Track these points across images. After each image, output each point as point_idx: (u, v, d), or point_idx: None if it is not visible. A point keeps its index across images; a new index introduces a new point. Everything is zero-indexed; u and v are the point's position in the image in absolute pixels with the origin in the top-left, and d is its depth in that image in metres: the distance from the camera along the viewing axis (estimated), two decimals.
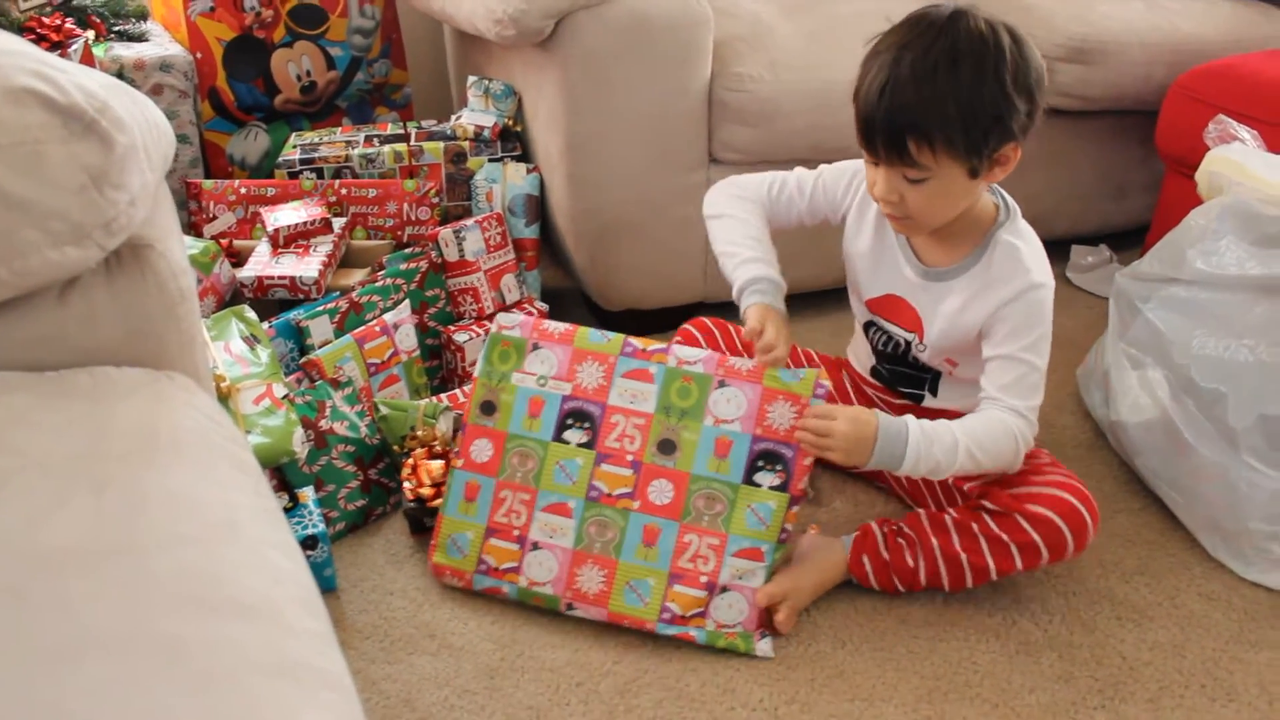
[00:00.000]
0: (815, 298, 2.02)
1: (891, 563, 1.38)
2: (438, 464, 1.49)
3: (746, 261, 1.43)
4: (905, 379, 1.54)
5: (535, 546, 1.38)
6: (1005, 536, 1.33)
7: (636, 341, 1.43)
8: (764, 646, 1.33)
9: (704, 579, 1.34)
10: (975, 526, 1.35)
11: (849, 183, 1.49)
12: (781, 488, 1.35)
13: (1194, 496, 1.52)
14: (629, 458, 1.39)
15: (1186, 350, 1.52)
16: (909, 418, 1.34)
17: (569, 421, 1.41)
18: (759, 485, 1.35)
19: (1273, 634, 1.39)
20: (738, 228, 1.47)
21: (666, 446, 1.38)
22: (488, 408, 1.44)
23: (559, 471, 1.40)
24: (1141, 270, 1.66)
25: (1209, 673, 1.33)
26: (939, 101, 1.21)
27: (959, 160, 1.25)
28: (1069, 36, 2.10)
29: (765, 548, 1.35)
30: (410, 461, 1.50)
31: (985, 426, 1.33)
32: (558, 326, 1.46)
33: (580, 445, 1.40)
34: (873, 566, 1.39)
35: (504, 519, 1.40)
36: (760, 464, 1.36)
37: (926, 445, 1.31)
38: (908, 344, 1.49)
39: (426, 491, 1.47)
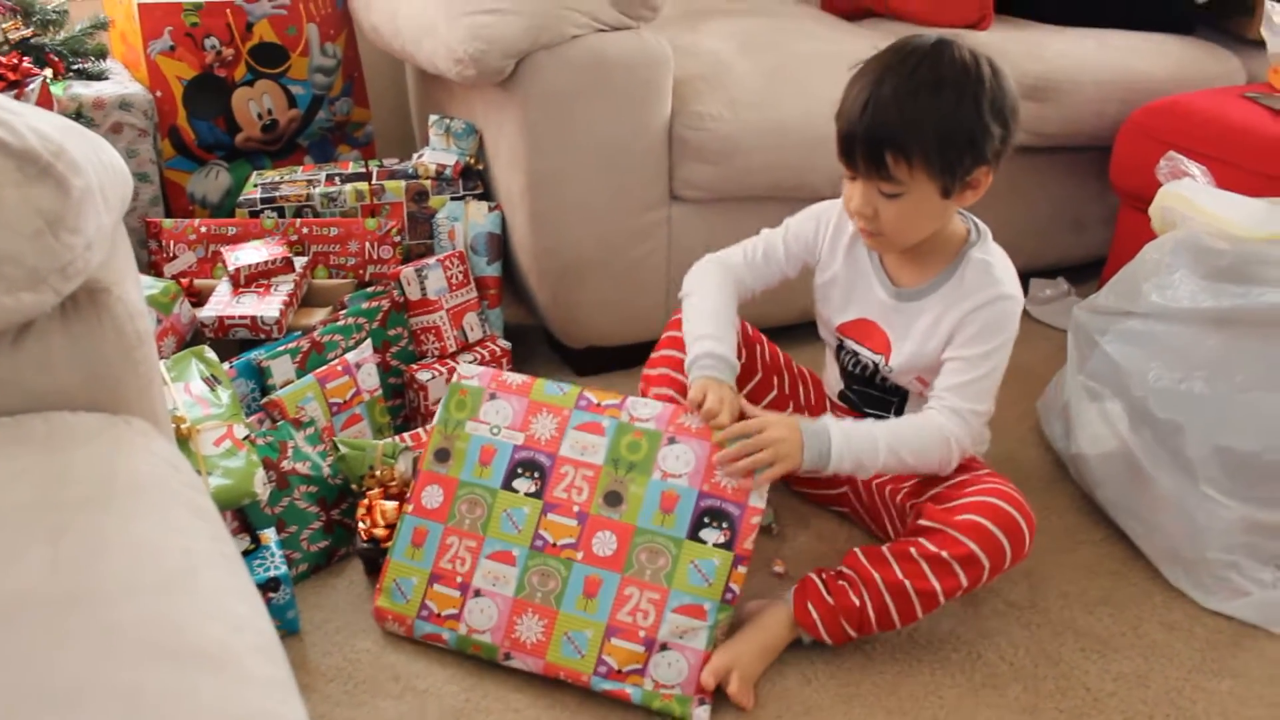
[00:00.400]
0: (792, 330, 2.03)
1: (837, 605, 1.35)
2: (392, 505, 1.48)
3: (697, 339, 1.46)
4: (873, 401, 1.55)
5: (477, 594, 1.36)
6: (944, 553, 1.31)
7: (592, 395, 1.44)
8: (701, 714, 1.29)
9: (643, 633, 1.31)
10: (913, 551, 1.33)
11: (817, 222, 1.54)
12: (726, 545, 1.32)
13: (1154, 527, 1.54)
14: (575, 508, 1.38)
15: (1143, 382, 1.54)
16: (828, 418, 1.38)
17: (519, 470, 1.41)
18: (704, 541, 1.33)
19: (1234, 663, 1.40)
20: (697, 305, 1.51)
21: (613, 499, 1.38)
22: (442, 455, 1.44)
23: (505, 520, 1.39)
24: (1098, 303, 1.68)
25: (1172, 702, 1.34)
26: (918, 120, 1.27)
27: (933, 178, 1.30)
28: (1024, 74, 2.14)
29: (708, 605, 1.31)
30: (365, 501, 1.49)
31: (914, 429, 1.38)
32: (516, 378, 1.47)
33: (528, 494, 1.40)
34: (819, 613, 1.35)
35: (448, 565, 1.39)
36: (706, 520, 1.34)
37: (845, 443, 1.35)
38: (875, 366, 1.50)
39: (380, 533, 1.45)
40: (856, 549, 1.39)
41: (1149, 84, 2.20)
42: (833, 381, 1.64)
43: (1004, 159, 1.35)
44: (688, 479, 1.36)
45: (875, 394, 1.55)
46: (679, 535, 1.34)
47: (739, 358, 1.50)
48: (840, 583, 1.36)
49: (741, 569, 1.32)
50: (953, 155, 1.29)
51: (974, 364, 1.39)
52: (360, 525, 1.47)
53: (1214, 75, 2.31)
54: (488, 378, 1.47)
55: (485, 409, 1.45)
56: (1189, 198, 1.62)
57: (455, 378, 1.48)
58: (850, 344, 1.53)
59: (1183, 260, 1.57)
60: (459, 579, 1.38)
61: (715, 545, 1.33)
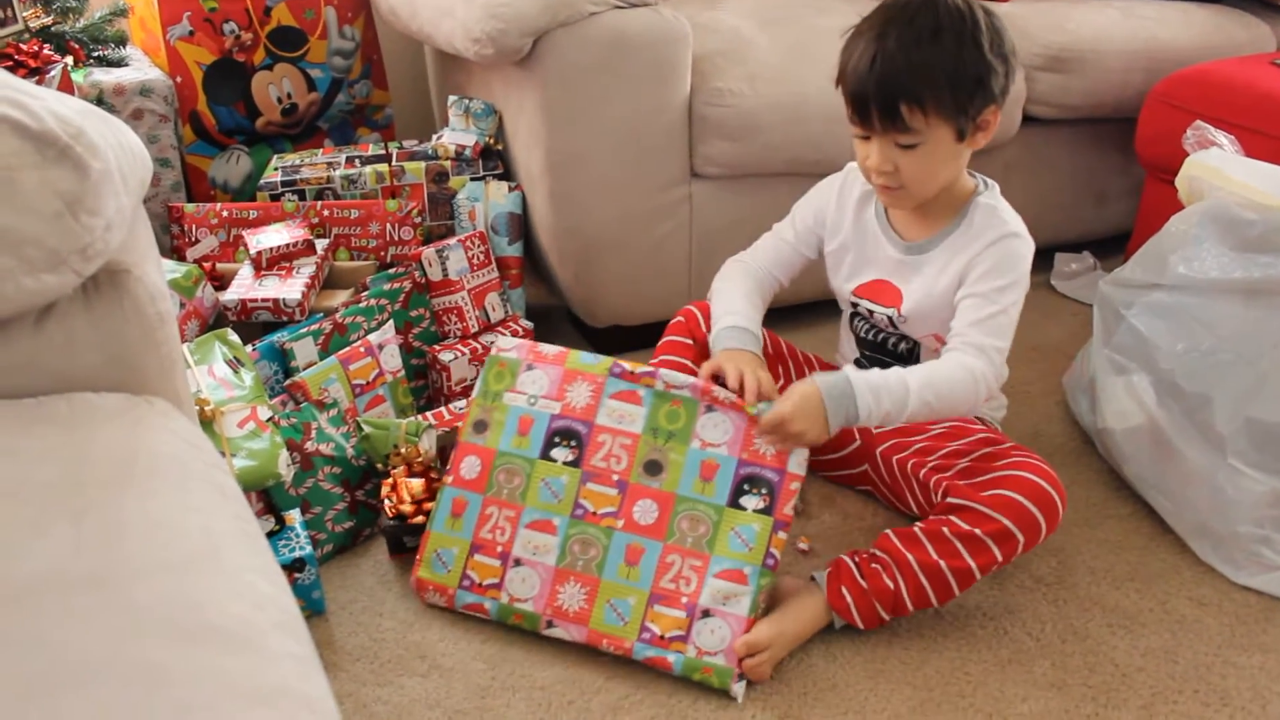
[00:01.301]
0: (807, 309, 2.02)
1: (871, 588, 1.34)
2: (418, 482, 1.48)
3: (718, 318, 1.51)
4: (888, 366, 1.54)
5: (518, 563, 1.38)
6: (978, 530, 1.31)
7: (625, 364, 1.44)
8: (738, 689, 1.28)
9: (685, 600, 1.32)
10: (946, 530, 1.32)
11: (821, 194, 1.58)
12: (766, 511, 1.34)
13: (1182, 501, 1.52)
14: (615, 477, 1.39)
15: (1171, 355, 1.53)
16: (849, 371, 1.36)
17: (556, 439, 1.42)
18: (744, 508, 1.35)
19: (1264, 638, 1.39)
20: (720, 297, 1.55)
21: (653, 467, 1.39)
22: (480, 426, 1.46)
23: (544, 489, 1.40)
24: (1124, 276, 1.66)
25: (1202, 678, 1.32)
26: (927, 67, 1.30)
27: (948, 121, 1.34)
28: (1046, 46, 2.11)
29: (749, 570, 1.32)
30: (390, 479, 1.49)
31: (943, 372, 1.37)
32: (551, 349, 1.48)
33: (566, 464, 1.40)
34: (853, 596, 1.34)
35: (489, 535, 1.40)
36: (745, 487, 1.36)
37: (872, 396, 1.33)
38: (890, 321, 1.52)
39: (407, 509, 1.46)
40: (889, 531, 1.38)
41: (1174, 53, 2.17)
42: (847, 351, 1.65)
43: (1008, 97, 1.38)
44: (726, 447, 1.37)
45: (889, 360, 1.55)
46: (720, 502, 1.36)
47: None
48: (874, 565, 1.35)
49: (782, 534, 1.33)
50: (964, 96, 1.33)
51: (989, 299, 1.40)
52: (386, 503, 1.47)
53: (1242, 42, 2.27)
54: (524, 349, 1.49)
55: (522, 379, 1.47)
56: (1217, 167, 1.60)
57: (494, 350, 1.50)
58: (865, 304, 1.55)
59: (1210, 231, 1.55)
60: (499, 548, 1.39)
61: (755, 511, 1.34)
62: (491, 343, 1.60)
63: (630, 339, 2.01)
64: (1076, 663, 1.34)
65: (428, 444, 1.53)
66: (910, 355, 1.54)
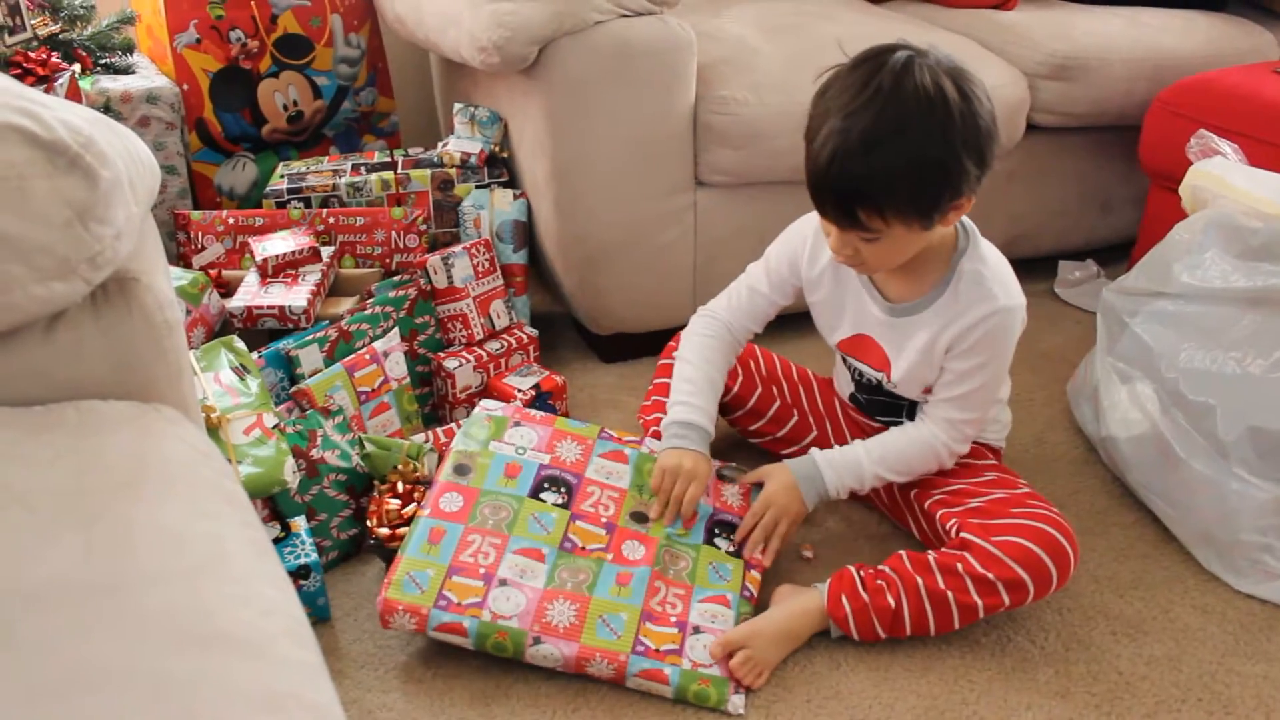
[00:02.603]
0: (803, 319, 2.02)
1: (871, 604, 1.33)
2: (395, 504, 1.46)
3: (672, 406, 1.52)
4: (882, 407, 1.55)
5: (503, 583, 1.32)
6: (990, 574, 1.30)
7: (613, 432, 1.55)
8: (736, 702, 1.27)
9: (674, 619, 1.34)
10: (959, 566, 1.32)
11: (794, 245, 1.51)
12: (736, 554, 1.44)
13: (1186, 509, 1.53)
14: (603, 519, 1.43)
15: (1174, 363, 1.53)
16: (815, 454, 1.48)
17: (545, 485, 1.45)
18: (718, 547, 1.44)
19: (1268, 646, 1.39)
20: (681, 370, 1.55)
21: (639, 517, 1.45)
22: (462, 470, 1.46)
23: (533, 522, 1.40)
24: (1128, 285, 1.66)
25: (1206, 686, 1.33)
26: (886, 171, 1.21)
27: (909, 221, 1.26)
28: (1051, 54, 2.12)
29: (730, 596, 1.38)
30: (375, 496, 1.49)
31: (900, 446, 1.46)
32: (538, 413, 1.56)
33: (556, 504, 1.43)
34: (852, 608, 1.34)
35: (470, 559, 1.34)
36: (717, 530, 1.46)
37: (836, 476, 1.46)
38: (879, 383, 1.50)
39: (383, 532, 1.43)
40: (902, 552, 1.38)
41: (1178, 61, 2.18)
42: (844, 384, 1.63)
43: (984, 182, 1.29)
44: (701, 500, 1.47)
45: (884, 400, 1.54)
46: (696, 542, 1.44)
47: (735, 377, 1.63)
48: (879, 581, 1.35)
49: (754, 573, 1.43)
50: (928, 198, 1.24)
51: (968, 377, 1.40)
52: (368, 523, 1.47)
53: (1245, 51, 2.27)
54: (510, 409, 1.54)
55: (510, 433, 1.51)
56: (1220, 176, 1.60)
57: (478, 409, 1.54)
58: (852, 362, 1.53)
59: (1214, 239, 1.55)
60: (482, 570, 1.33)
61: (728, 553, 1.44)
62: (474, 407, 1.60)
63: (634, 346, 2.01)
64: (1080, 671, 1.35)
65: (429, 466, 1.53)
66: (904, 398, 1.52)
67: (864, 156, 1.20)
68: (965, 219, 1.39)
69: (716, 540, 1.44)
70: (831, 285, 1.48)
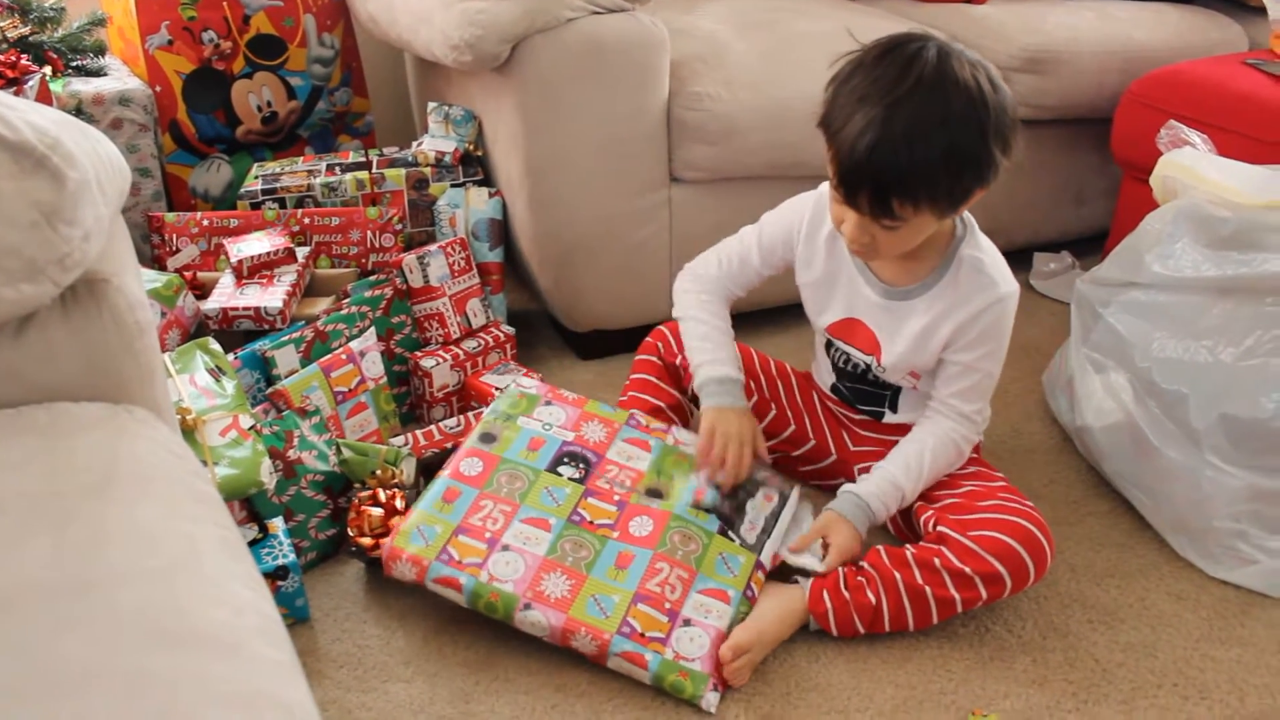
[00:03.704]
0: (779, 313, 2.03)
1: (852, 600, 1.34)
2: (378, 513, 1.45)
3: (700, 365, 1.52)
4: (865, 396, 1.56)
5: (505, 548, 1.36)
6: (967, 568, 1.32)
7: (641, 418, 1.55)
8: (711, 699, 1.27)
9: (669, 605, 1.33)
10: (937, 561, 1.33)
11: (790, 222, 1.52)
12: (751, 548, 1.43)
13: (1160, 497, 1.54)
14: (616, 497, 1.44)
15: (1147, 353, 1.54)
16: (858, 491, 1.44)
17: (565, 459, 1.47)
18: (731, 540, 1.42)
19: (1241, 631, 1.40)
20: (694, 329, 1.55)
21: (653, 493, 1.45)
22: (488, 438, 1.49)
23: (545, 494, 1.43)
24: (1101, 275, 1.68)
25: (1181, 671, 1.34)
26: (929, 165, 1.21)
27: (936, 209, 1.27)
28: (1023, 47, 2.13)
29: (731, 593, 1.36)
30: (355, 504, 1.48)
31: (927, 458, 1.44)
32: (571, 394, 1.58)
33: (572, 479, 1.45)
34: (834, 604, 1.35)
35: (478, 522, 1.39)
36: (731, 527, 1.45)
37: (884, 508, 1.43)
38: (867, 366, 1.50)
39: (366, 541, 1.43)
40: (880, 547, 1.39)
41: (1149, 53, 2.19)
42: (824, 374, 1.63)
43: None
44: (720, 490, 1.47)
45: (867, 389, 1.55)
46: (711, 529, 1.42)
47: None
48: (859, 579, 1.36)
49: (760, 575, 1.40)
50: (959, 189, 1.26)
51: (973, 368, 1.42)
52: (349, 531, 1.46)
53: (1215, 42, 2.29)
54: (544, 388, 1.59)
55: (539, 410, 1.54)
56: (1190, 166, 1.61)
57: (512, 387, 1.58)
58: (840, 344, 1.53)
59: (1185, 229, 1.57)
60: (488, 534, 1.38)
61: (741, 545, 1.42)
62: (507, 385, 1.63)
63: (611, 343, 2.01)
64: (1057, 659, 1.36)
65: (408, 472, 1.53)
66: (888, 385, 1.53)
67: (907, 147, 1.20)
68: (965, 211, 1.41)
69: (730, 533, 1.43)
70: (824, 266, 1.49)
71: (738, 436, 1.46)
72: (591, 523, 1.40)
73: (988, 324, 1.39)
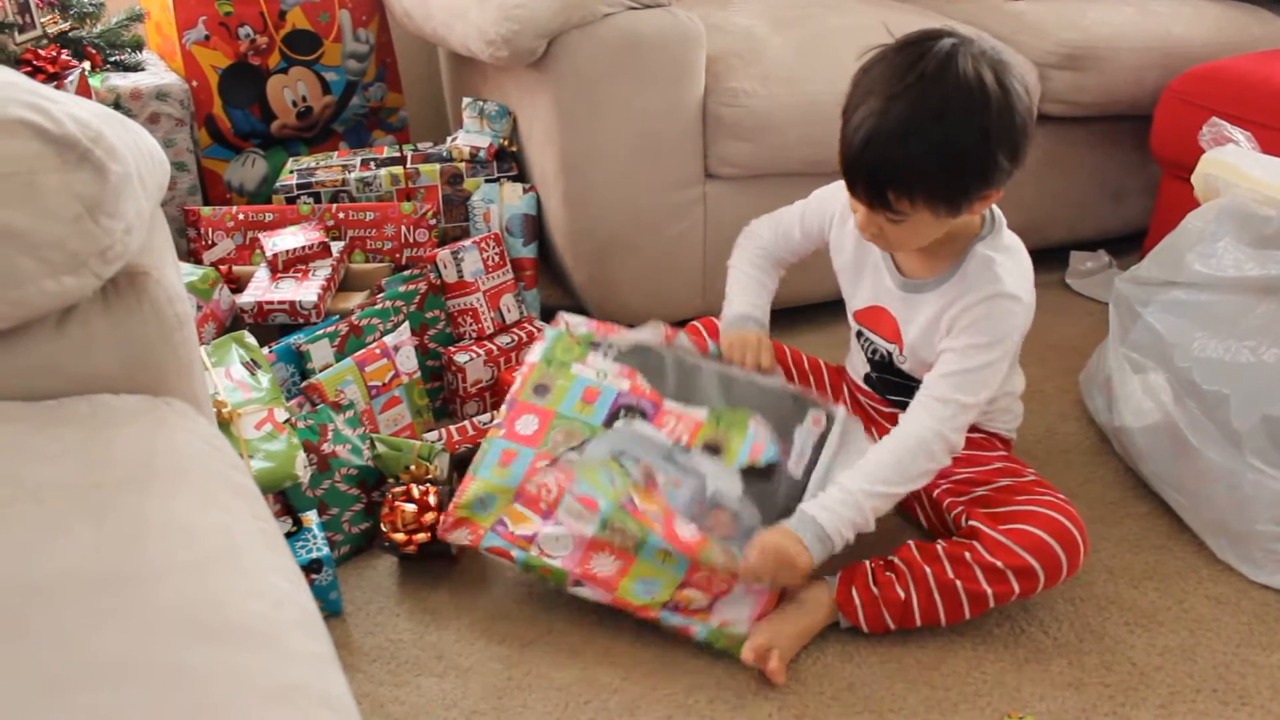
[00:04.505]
0: (812, 310, 2.02)
1: (881, 596, 1.33)
2: (411, 509, 1.45)
3: (727, 305, 1.58)
4: (894, 387, 1.54)
5: (557, 524, 1.38)
6: (999, 562, 1.30)
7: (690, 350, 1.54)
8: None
9: (544, 506, 1.38)
10: (968, 555, 1.32)
11: (823, 208, 1.54)
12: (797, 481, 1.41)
13: (1200, 500, 1.52)
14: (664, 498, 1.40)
15: (1188, 353, 1.52)
16: (807, 507, 1.33)
17: (622, 413, 1.46)
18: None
19: None
20: (734, 277, 1.60)
21: (711, 448, 1.43)
22: (541, 389, 1.48)
23: (603, 472, 1.41)
24: (1140, 274, 1.66)
25: (1220, 677, 1.32)
26: (922, 159, 1.21)
27: (938, 207, 1.25)
28: (1061, 43, 2.11)
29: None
30: (389, 499, 1.48)
31: (881, 456, 1.34)
32: (621, 329, 1.55)
33: (628, 461, 1.43)
34: (862, 600, 1.34)
35: (534, 489, 1.40)
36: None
37: (834, 520, 1.30)
38: (891, 356, 1.49)
39: (399, 537, 1.44)
40: (911, 542, 1.38)
41: (1189, 50, 2.16)
42: (858, 365, 1.62)
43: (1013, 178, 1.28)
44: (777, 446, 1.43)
45: (896, 380, 1.54)
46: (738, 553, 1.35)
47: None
48: (888, 574, 1.35)
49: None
50: (958, 187, 1.24)
51: (965, 355, 1.34)
52: (383, 526, 1.47)
53: (1257, 38, 2.26)
54: (595, 325, 1.55)
55: (591, 357, 1.50)
56: (1233, 164, 1.59)
57: (562, 325, 1.54)
58: (867, 333, 1.53)
59: (1227, 228, 1.54)
60: (542, 505, 1.39)
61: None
62: (556, 322, 1.58)
63: None
64: (1094, 661, 1.34)
65: (441, 467, 1.53)
66: (914, 378, 1.49)
67: (900, 140, 1.20)
68: (995, 208, 1.40)
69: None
70: (853, 253, 1.50)
71: (754, 345, 1.51)
72: (640, 509, 1.38)
73: (979, 314, 1.34)
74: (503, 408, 1.49)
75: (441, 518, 1.42)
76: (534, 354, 1.52)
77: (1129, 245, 2.33)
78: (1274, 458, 1.43)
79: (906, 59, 1.23)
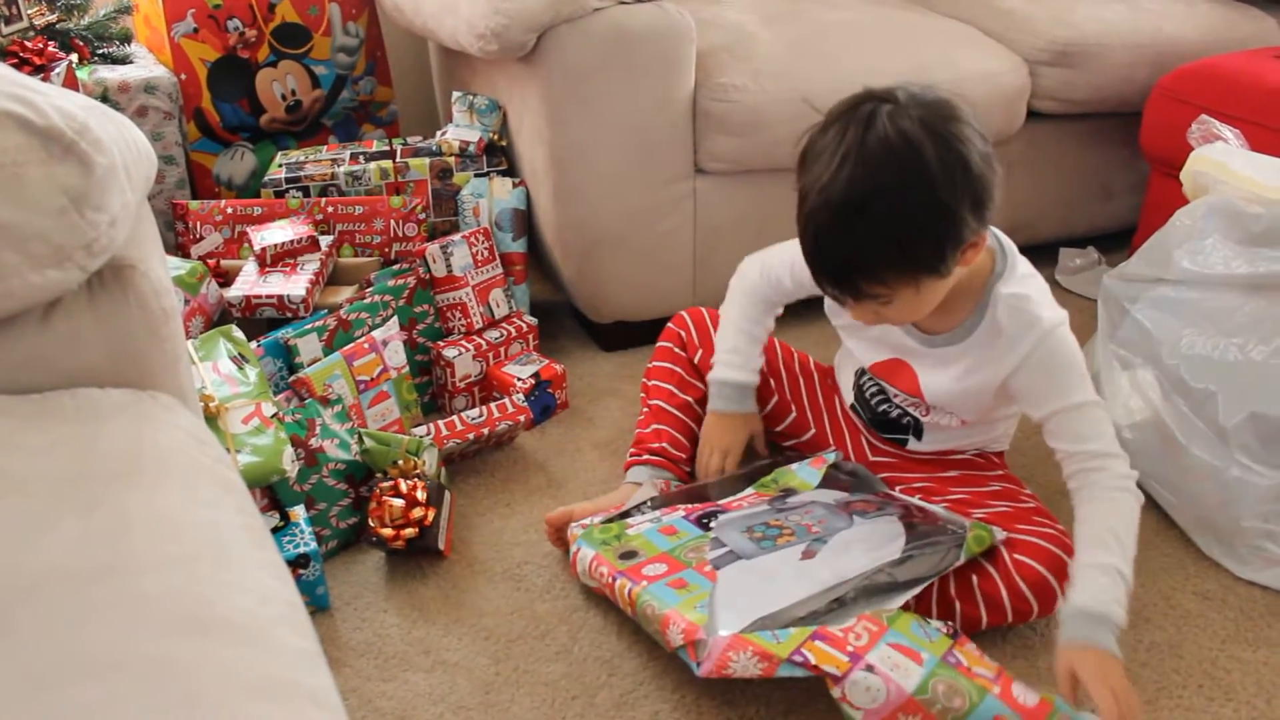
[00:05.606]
0: (804, 304, 2.02)
1: None
2: (399, 504, 1.44)
3: (717, 362, 1.56)
4: (887, 426, 1.54)
5: (868, 669, 1.15)
6: (1001, 593, 1.30)
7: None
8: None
9: (851, 649, 1.15)
10: (974, 579, 1.32)
11: None
12: (952, 635, 1.23)
13: (1187, 496, 1.52)
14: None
15: (1176, 350, 1.52)
16: (1087, 606, 1.19)
17: (703, 520, 1.42)
18: (927, 619, 1.26)
19: (1269, 632, 1.39)
20: (723, 334, 1.57)
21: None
22: (628, 555, 1.36)
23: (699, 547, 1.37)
24: (1129, 271, 1.66)
25: (1206, 673, 1.32)
26: (875, 242, 1.15)
27: (919, 277, 1.19)
28: (1051, 40, 2.11)
29: (926, 656, 1.17)
30: (377, 493, 1.48)
31: (1122, 527, 1.24)
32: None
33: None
34: None
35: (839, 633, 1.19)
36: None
37: (1121, 609, 1.20)
38: (911, 404, 1.47)
39: (387, 532, 1.43)
40: None
41: (1180, 47, 2.17)
42: (846, 387, 1.60)
43: (990, 219, 1.21)
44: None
45: (888, 421, 1.53)
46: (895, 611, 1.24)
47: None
48: None
49: (972, 647, 1.22)
50: (929, 254, 1.17)
51: (1076, 408, 1.29)
52: (370, 521, 1.46)
53: (1247, 36, 2.27)
54: (601, 513, 1.48)
55: (632, 521, 1.44)
56: (1222, 162, 1.60)
57: (579, 531, 1.44)
58: (881, 383, 1.49)
59: (1215, 225, 1.55)
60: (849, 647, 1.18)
61: (937, 628, 1.24)
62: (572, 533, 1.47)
63: (634, 335, 2.01)
64: None
65: (429, 462, 1.52)
66: (908, 416, 1.50)
67: (846, 228, 1.15)
68: (1002, 237, 1.36)
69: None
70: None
71: (724, 448, 1.54)
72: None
73: (1044, 358, 1.29)
74: (615, 592, 1.33)
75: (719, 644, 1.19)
76: (584, 558, 1.39)
77: (1118, 242, 2.33)
78: (1260, 455, 1.43)
79: (833, 139, 1.17)
